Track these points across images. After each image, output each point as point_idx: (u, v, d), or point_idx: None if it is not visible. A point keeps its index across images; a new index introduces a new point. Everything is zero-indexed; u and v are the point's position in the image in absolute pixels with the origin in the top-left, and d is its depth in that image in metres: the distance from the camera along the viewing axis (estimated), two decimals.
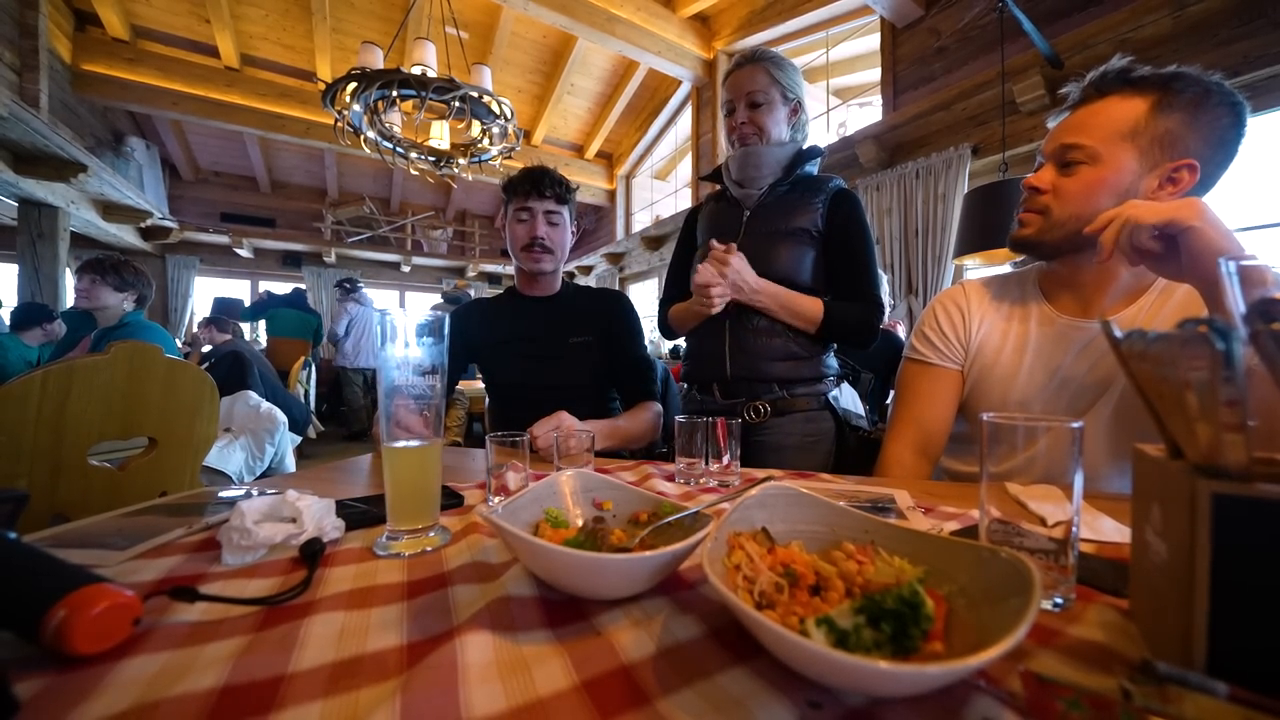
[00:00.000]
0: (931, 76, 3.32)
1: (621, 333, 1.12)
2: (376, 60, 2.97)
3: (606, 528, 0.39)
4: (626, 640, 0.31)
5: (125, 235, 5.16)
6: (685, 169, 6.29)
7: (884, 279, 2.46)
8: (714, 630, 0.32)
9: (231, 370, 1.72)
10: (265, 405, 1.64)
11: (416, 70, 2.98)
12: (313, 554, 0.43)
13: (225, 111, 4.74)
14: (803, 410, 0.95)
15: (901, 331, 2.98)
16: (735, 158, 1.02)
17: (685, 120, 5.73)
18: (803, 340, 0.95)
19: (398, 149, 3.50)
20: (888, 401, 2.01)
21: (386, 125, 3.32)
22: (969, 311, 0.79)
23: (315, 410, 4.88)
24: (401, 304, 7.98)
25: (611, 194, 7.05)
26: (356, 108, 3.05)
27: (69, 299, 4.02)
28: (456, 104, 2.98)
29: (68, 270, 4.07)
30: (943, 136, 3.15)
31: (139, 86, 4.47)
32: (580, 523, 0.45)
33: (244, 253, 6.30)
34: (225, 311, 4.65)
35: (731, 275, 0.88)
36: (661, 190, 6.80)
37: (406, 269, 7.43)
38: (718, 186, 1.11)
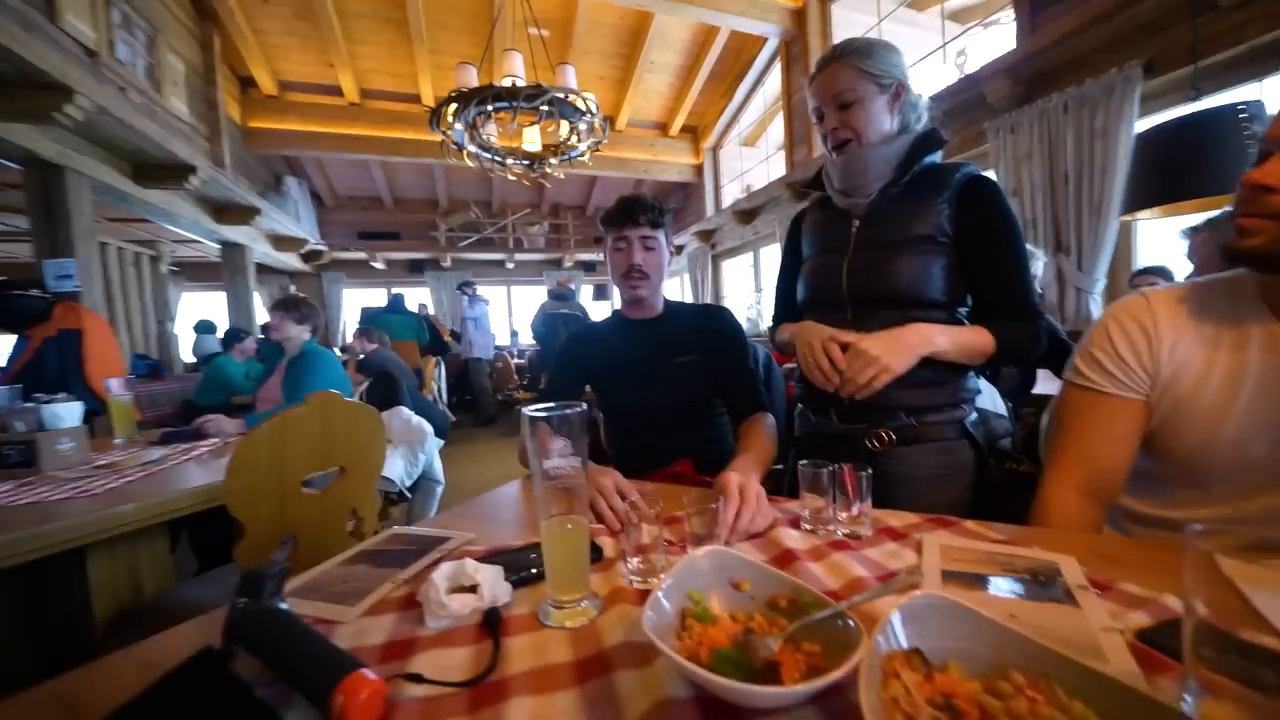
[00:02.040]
0: None
1: (725, 347, 1.12)
2: (471, 78, 3.16)
3: (756, 639, 0.41)
4: None
5: (291, 260, 6.14)
6: (776, 130, 5.89)
7: (1038, 256, 2.13)
8: None
9: (386, 389, 2.01)
10: (415, 419, 1.89)
11: (507, 82, 3.12)
12: (493, 623, 0.51)
13: (353, 143, 5.37)
14: (935, 440, 0.87)
15: (1048, 300, 2.59)
16: (836, 165, 0.93)
17: (774, 78, 5.35)
18: (938, 364, 0.84)
19: (495, 158, 3.72)
20: (1033, 392, 1.77)
21: (485, 137, 3.53)
22: (1156, 332, 0.66)
23: (448, 403, 5.49)
24: (508, 299, 8.58)
25: (699, 169, 6.86)
26: (458, 126, 3.29)
27: (258, 317, 4.91)
28: (545, 108, 3.08)
29: (255, 295, 4.96)
30: (1101, 56, 2.58)
31: (289, 134, 5.22)
32: (718, 608, 0.47)
33: (378, 265, 7.19)
34: (369, 321, 5.38)
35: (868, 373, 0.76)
36: (751, 157, 6.46)
37: (510, 265, 7.97)
38: (817, 193, 1.03)
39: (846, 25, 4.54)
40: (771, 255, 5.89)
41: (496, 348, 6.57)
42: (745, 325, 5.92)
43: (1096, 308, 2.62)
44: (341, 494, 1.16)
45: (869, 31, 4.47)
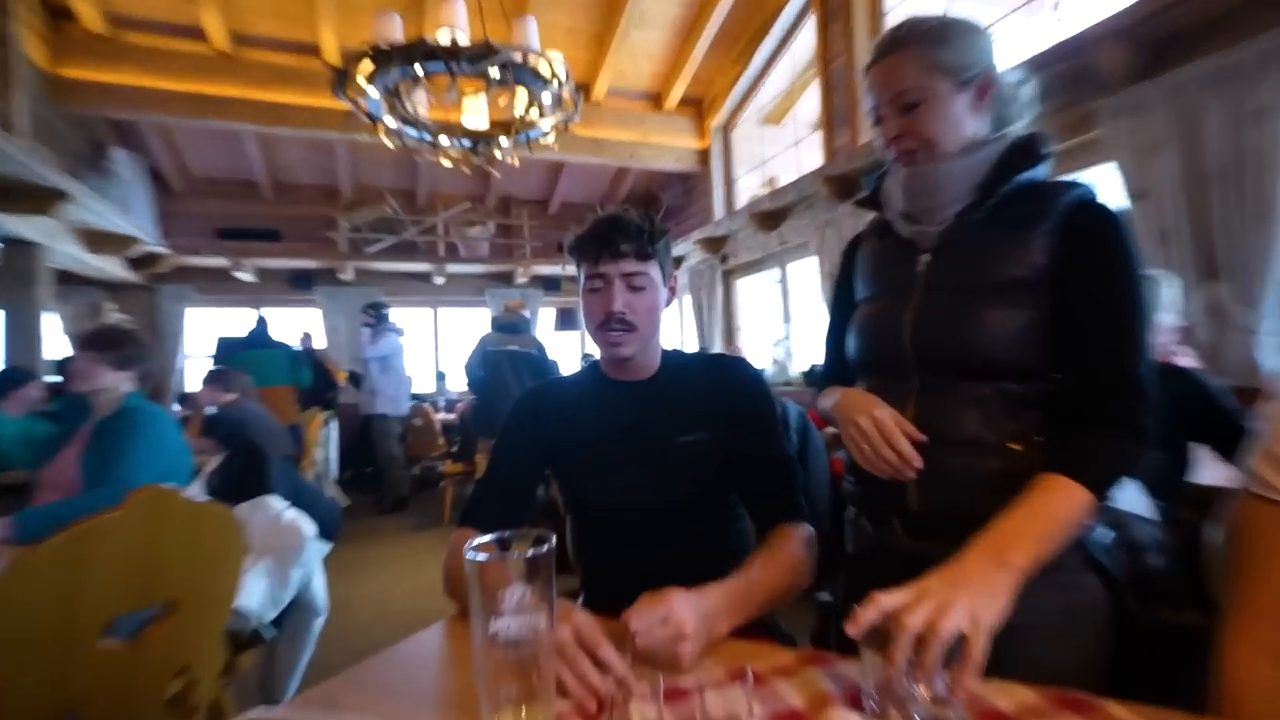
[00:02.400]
0: None
1: (747, 420, 1.13)
2: (395, 29, 3.24)
3: None
4: None
5: (111, 268, 6.04)
6: (809, 105, 6.14)
7: (1166, 283, 2.18)
8: None
9: (248, 468, 1.94)
10: (289, 514, 1.82)
11: (444, 36, 3.20)
12: None
13: (218, 107, 5.43)
14: (1048, 572, 0.80)
15: (1185, 360, 2.63)
16: (899, 181, 0.97)
17: (806, 37, 5.63)
18: (1041, 458, 0.84)
19: (424, 136, 3.78)
20: (1191, 481, 1.78)
21: (411, 108, 3.59)
22: None
23: (339, 477, 5.34)
24: (435, 327, 8.56)
25: (704, 154, 7.08)
26: (374, 93, 3.35)
27: (49, 351, 4.75)
28: (495, 73, 3.16)
29: (50, 317, 4.82)
30: (1257, 12, 2.71)
31: (122, 89, 5.25)
32: None
33: (245, 276, 7.13)
34: (226, 358, 5.28)
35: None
36: (776, 140, 6.70)
37: (440, 280, 7.97)
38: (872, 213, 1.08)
39: None
40: (802, 272, 6.03)
41: (414, 398, 6.52)
42: (770, 370, 5.98)
43: (1275, 358, 2.64)
44: (166, 643, 1.10)
45: None
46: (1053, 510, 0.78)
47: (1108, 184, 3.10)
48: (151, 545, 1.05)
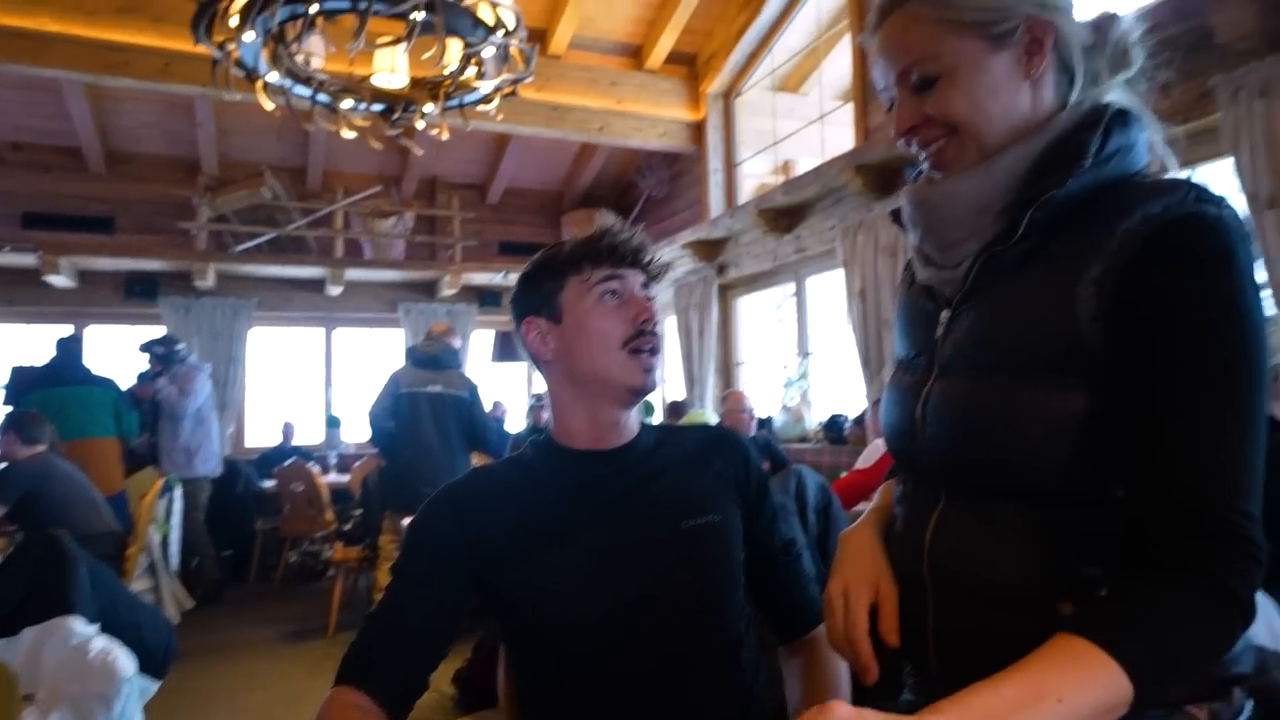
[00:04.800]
0: None
1: (763, 505, 1.26)
2: None
3: None
4: None
5: None
6: (838, 68, 6.20)
7: None
8: None
9: (42, 575, 1.83)
10: (98, 645, 1.72)
11: None
12: None
13: (31, 47, 5.33)
14: None
15: None
16: (905, 199, 0.97)
17: None
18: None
19: (320, 97, 3.71)
20: None
21: (302, 60, 3.53)
22: None
23: (181, 566, 5.16)
24: (328, 350, 8.42)
25: (698, 129, 7.15)
26: (251, 35, 3.27)
27: None
28: (419, 16, 3.11)
29: None
30: None
31: None
32: None
33: (62, 280, 6.91)
34: (21, 394, 5.14)
35: None
36: (794, 114, 6.80)
37: (336, 290, 7.85)
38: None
39: None
40: (826, 288, 6.07)
41: (296, 453, 6.64)
42: (779, 420, 5.98)
43: None
44: None
45: None
46: (1055, 690, 0.63)
47: (1227, 185, 3.12)
48: None
